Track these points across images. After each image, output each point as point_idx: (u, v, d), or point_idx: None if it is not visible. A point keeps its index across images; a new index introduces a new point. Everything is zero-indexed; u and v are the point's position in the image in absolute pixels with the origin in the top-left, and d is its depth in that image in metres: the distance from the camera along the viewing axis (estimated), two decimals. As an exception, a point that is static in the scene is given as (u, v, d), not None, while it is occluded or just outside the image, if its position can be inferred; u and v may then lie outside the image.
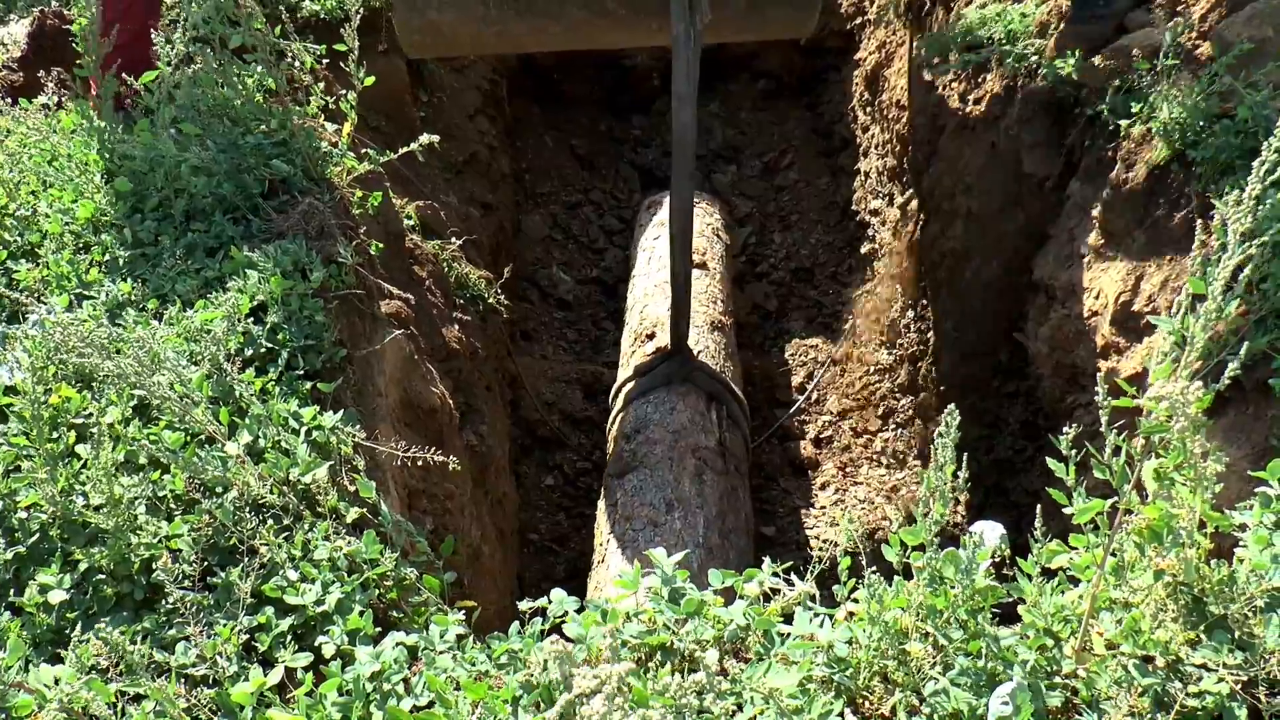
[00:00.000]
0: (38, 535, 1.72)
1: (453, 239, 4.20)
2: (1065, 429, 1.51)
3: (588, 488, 4.57)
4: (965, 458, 1.52)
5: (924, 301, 4.78)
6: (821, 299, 5.71)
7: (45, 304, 1.75)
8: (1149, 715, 1.27)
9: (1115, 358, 2.96)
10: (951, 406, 1.42)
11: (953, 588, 1.43)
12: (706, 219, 5.47)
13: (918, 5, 4.59)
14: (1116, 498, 1.40)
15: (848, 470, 4.72)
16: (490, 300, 4.24)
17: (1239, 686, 1.30)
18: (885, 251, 5.23)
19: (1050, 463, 1.45)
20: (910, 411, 4.79)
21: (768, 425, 4.89)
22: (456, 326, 3.66)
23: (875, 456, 4.76)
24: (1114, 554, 1.39)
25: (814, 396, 5.11)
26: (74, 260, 2.36)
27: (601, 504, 3.79)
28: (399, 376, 2.82)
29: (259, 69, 2.89)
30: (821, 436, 4.90)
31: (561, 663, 1.29)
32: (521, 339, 5.30)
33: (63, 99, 3.09)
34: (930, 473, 1.41)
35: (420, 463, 2.21)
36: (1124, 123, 3.13)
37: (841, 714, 1.32)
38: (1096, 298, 3.09)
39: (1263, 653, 1.34)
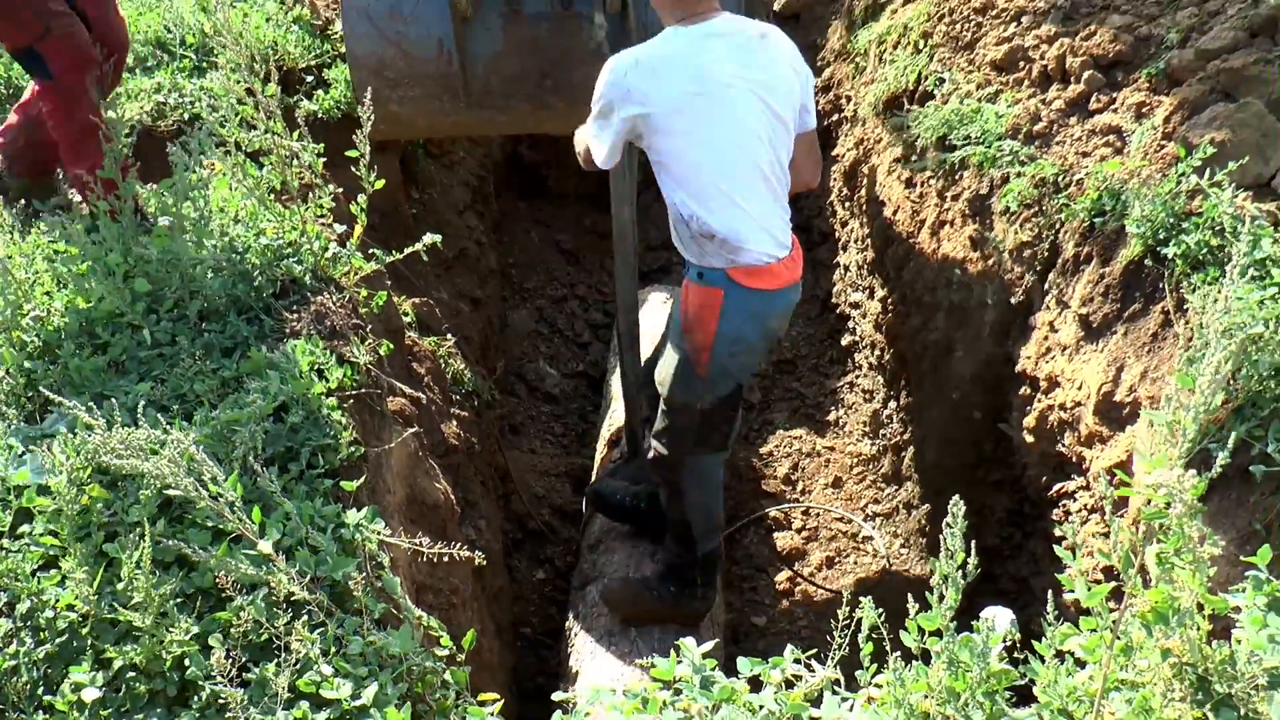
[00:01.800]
0: (67, 634, 1.75)
1: (448, 335, 4.28)
2: (1054, 516, 1.59)
3: (579, 581, 4.60)
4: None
5: (906, 393, 4.89)
6: (804, 390, 5.81)
7: (74, 405, 1.80)
8: (1165, 791, 1.33)
9: (1099, 447, 3.06)
10: (956, 498, 1.50)
11: (969, 671, 1.49)
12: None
13: (895, 103, 4.79)
14: (1120, 582, 1.48)
15: (834, 561, 4.77)
16: (485, 396, 4.31)
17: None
18: (867, 343, 5.36)
19: (1057, 550, 1.52)
20: (895, 501, 4.86)
21: (760, 520, 4.94)
22: (454, 422, 3.72)
23: (861, 545, 4.81)
24: (1120, 635, 1.46)
25: (800, 487, 5.17)
26: (93, 360, 2.42)
27: (570, 615, 3.80)
28: (405, 473, 2.87)
29: (270, 170, 2.99)
30: (807, 527, 4.95)
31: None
32: (510, 433, 5.35)
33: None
34: (942, 560, 1.48)
35: (425, 557, 2.25)
36: (1099, 220, 3.29)
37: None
38: (1079, 388, 3.20)
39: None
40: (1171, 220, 3.03)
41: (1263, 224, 2.88)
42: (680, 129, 2.83)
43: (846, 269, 5.76)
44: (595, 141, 2.98)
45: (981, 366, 3.92)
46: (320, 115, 4.49)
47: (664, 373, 3.21)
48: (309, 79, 4.71)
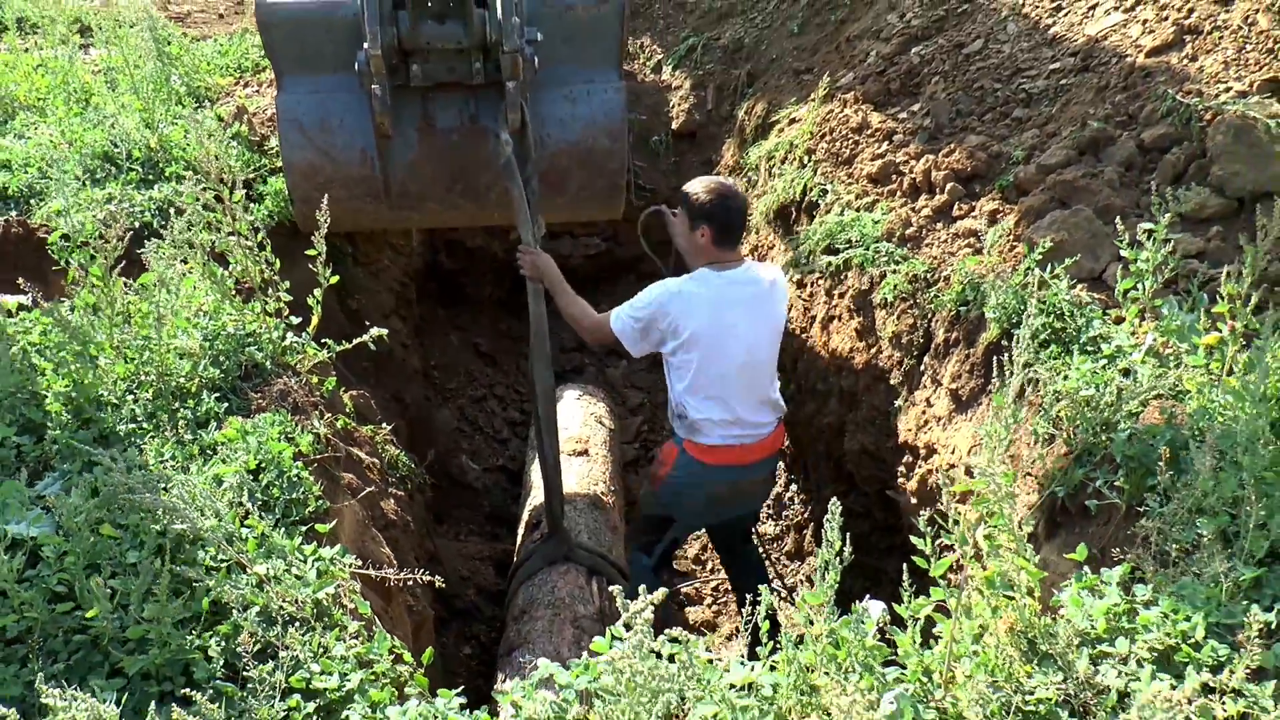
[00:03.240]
0: (82, 651, 2.02)
1: (382, 424, 4.59)
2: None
3: (504, 656, 4.85)
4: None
5: (805, 475, 5.31)
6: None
7: (100, 452, 2.09)
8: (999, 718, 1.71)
9: (971, 500, 3.50)
10: (834, 500, 1.90)
11: (848, 644, 1.87)
12: (590, 408, 5.95)
13: (784, 213, 5.32)
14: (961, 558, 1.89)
15: (740, 632, 5.10)
16: (416, 480, 4.61)
17: (1061, 698, 1.76)
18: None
19: (913, 539, 1.93)
20: (798, 576, 5.24)
21: (674, 595, 5.26)
22: (392, 500, 4.01)
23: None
24: (961, 603, 1.86)
25: (709, 566, 5.53)
26: (81, 433, 2.70)
27: (498, 679, 4.06)
28: (354, 537, 3.16)
29: (233, 266, 3.33)
30: (718, 602, 5.29)
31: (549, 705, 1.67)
32: (435, 522, 5.61)
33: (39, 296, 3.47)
34: (823, 550, 1.87)
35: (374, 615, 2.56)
36: (964, 309, 3.80)
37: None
38: (952, 452, 3.66)
39: (1077, 676, 1.81)
40: (1021, 307, 3.54)
41: (1094, 309, 3.41)
42: (695, 351, 3.71)
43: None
44: (629, 334, 3.82)
45: (869, 443, 4.37)
46: (257, 224, 4.83)
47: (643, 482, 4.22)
48: (243, 191, 5.06)
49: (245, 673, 1.91)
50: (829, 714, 1.73)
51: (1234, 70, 3.99)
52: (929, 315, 4.03)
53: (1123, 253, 3.20)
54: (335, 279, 3.29)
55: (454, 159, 4.55)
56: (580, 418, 5.66)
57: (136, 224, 4.33)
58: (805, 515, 5.31)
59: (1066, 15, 4.97)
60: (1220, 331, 2.83)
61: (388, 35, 3.98)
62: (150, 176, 4.82)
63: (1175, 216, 3.72)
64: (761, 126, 6.32)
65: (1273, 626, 1.94)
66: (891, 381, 4.20)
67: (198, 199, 3.37)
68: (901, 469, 4.02)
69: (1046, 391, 3.21)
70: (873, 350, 4.37)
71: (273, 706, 1.87)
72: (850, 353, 4.55)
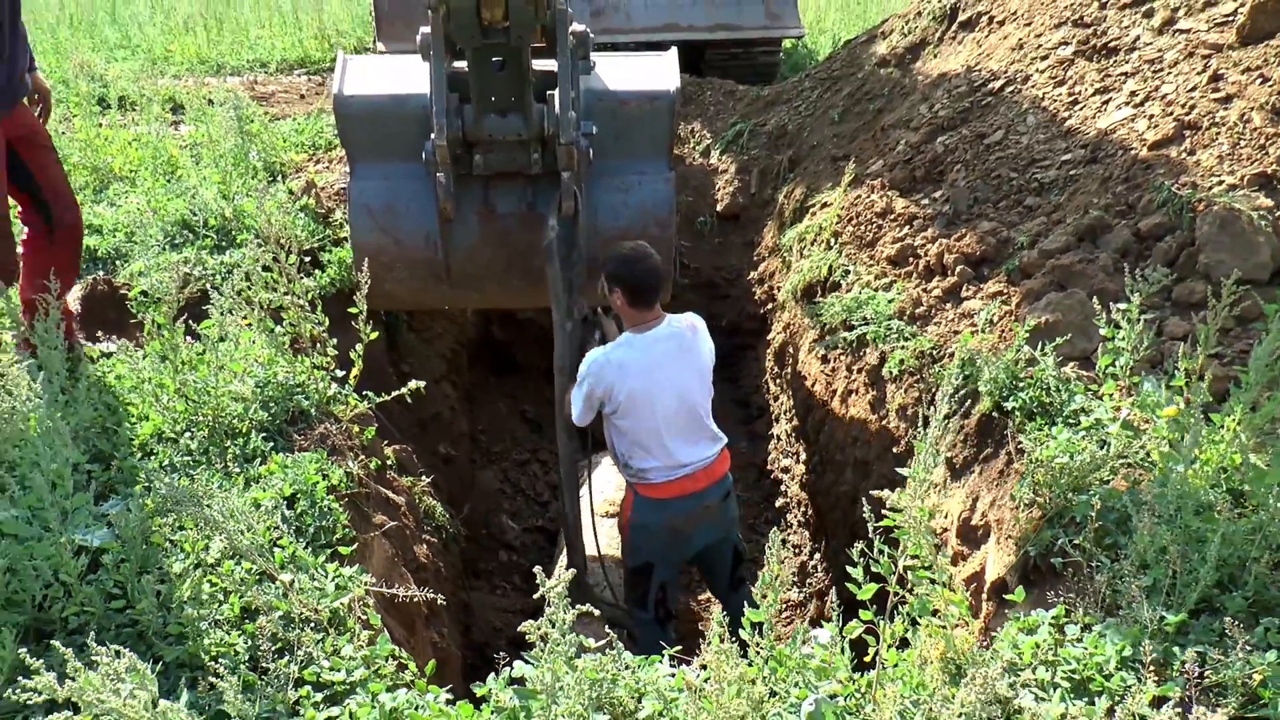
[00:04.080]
0: (129, 643, 2.32)
1: (422, 477, 4.91)
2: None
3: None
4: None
5: (825, 543, 5.51)
6: (739, 549, 6.41)
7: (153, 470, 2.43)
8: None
9: (961, 563, 3.70)
10: (775, 530, 2.15)
11: (788, 659, 2.11)
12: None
13: (810, 291, 5.61)
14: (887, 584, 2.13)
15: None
16: (451, 531, 4.91)
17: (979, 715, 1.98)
18: (795, 502, 6.01)
19: (848, 569, 2.17)
20: (818, 640, 5.41)
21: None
22: (425, 546, 4.31)
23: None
24: (894, 631, 2.09)
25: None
26: (144, 462, 3.05)
27: None
28: (382, 571, 3.46)
29: (286, 323, 3.70)
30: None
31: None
32: (473, 576, 5.90)
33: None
34: (763, 573, 2.12)
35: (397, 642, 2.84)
36: (960, 382, 4.03)
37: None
38: (945, 517, 3.86)
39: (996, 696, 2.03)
40: (1011, 382, 3.77)
41: (1078, 384, 3.64)
42: (632, 409, 4.02)
43: (778, 438, 6.47)
44: (575, 406, 4.15)
45: (881, 510, 4.57)
46: (320, 290, 5.24)
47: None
48: (306, 259, 5.50)
49: (265, 665, 2.20)
50: (761, 713, 1.97)
51: (1227, 164, 4.22)
52: (933, 389, 4.26)
53: (1103, 331, 3.43)
54: (375, 335, 3.64)
55: (512, 243, 4.87)
56: (617, 481, 5.93)
57: (208, 285, 4.75)
58: (828, 582, 5.49)
59: (1082, 109, 5.24)
60: (1178, 404, 3.04)
61: (453, 127, 4.35)
62: (223, 243, 5.27)
63: (1166, 301, 3.97)
64: (799, 210, 6.64)
65: (1185, 664, 2.15)
66: (898, 451, 4.42)
67: (258, 260, 3.76)
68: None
69: (1029, 460, 3.42)
70: (883, 421, 4.60)
71: (286, 694, 2.15)
72: (865, 424, 4.78)
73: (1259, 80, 4.49)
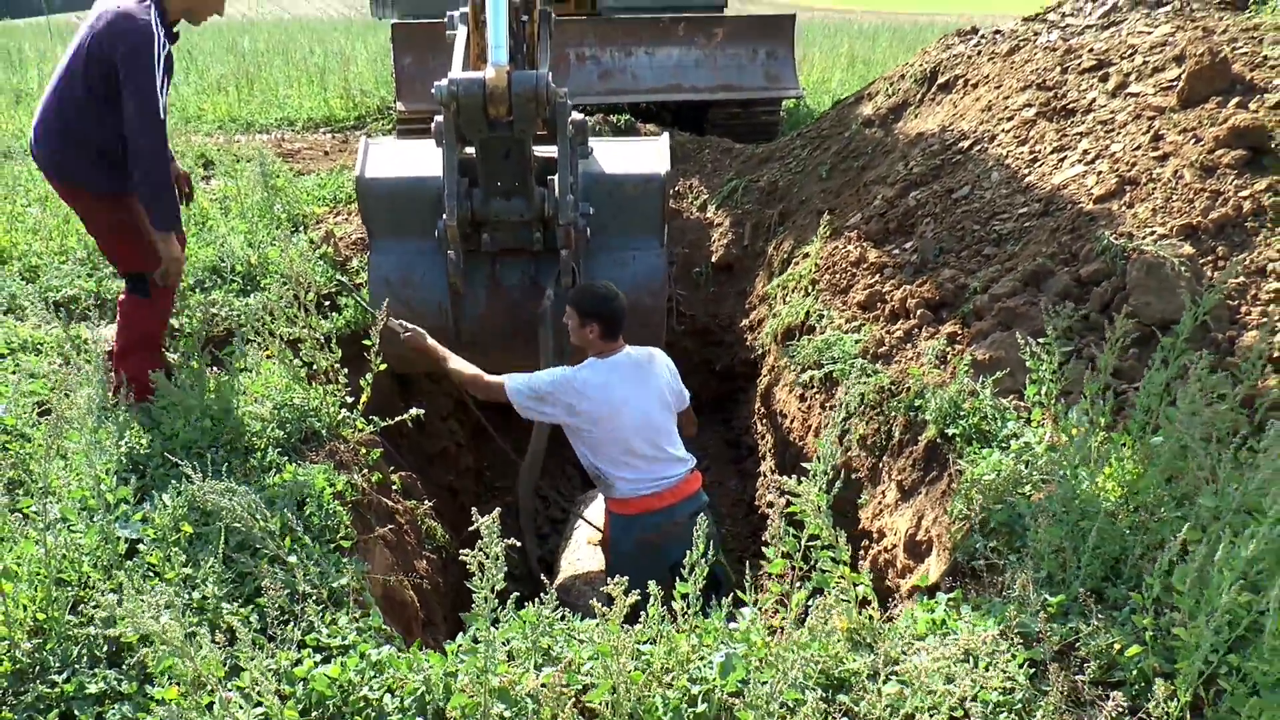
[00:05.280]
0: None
1: (425, 502, 5.32)
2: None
3: None
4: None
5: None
6: (717, 575, 6.77)
7: (182, 462, 2.86)
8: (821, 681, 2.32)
9: (908, 575, 4.07)
10: (701, 515, 2.54)
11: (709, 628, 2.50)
12: None
13: (789, 334, 6.02)
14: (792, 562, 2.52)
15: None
16: (451, 553, 5.29)
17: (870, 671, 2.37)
18: (777, 534, 6.37)
19: (765, 550, 2.56)
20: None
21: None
22: (425, 562, 4.71)
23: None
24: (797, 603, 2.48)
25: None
26: (172, 471, 3.48)
27: None
28: (382, 573, 3.86)
29: (303, 354, 4.15)
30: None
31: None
32: (469, 597, 6.26)
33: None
34: (692, 550, 2.51)
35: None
36: (912, 413, 4.42)
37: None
38: (895, 534, 4.24)
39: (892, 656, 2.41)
40: (954, 411, 4.16)
41: (1010, 412, 4.02)
42: (593, 427, 4.42)
43: (764, 474, 6.85)
44: (521, 399, 4.47)
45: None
46: (335, 330, 5.70)
47: None
48: (325, 303, 5.96)
49: (270, 631, 2.61)
50: (684, 667, 2.35)
51: (1160, 216, 4.63)
52: (890, 420, 4.65)
53: (1027, 363, 3.82)
54: (383, 366, 4.07)
55: (516, 313, 5.35)
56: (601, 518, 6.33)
57: (233, 323, 5.21)
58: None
59: (1040, 166, 5.68)
60: (1086, 425, 3.42)
61: (463, 209, 4.83)
62: (248, 287, 5.74)
63: (1100, 340, 4.36)
64: (786, 260, 7.08)
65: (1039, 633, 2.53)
66: (859, 477, 4.80)
67: (279, 298, 4.21)
68: (861, 552, 4.60)
69: (964, 479, 3.80)
70: (849, 453, 4.99)
71: (289, 652, 2.55)
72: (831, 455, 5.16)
73: (1193, 140, 4.92)
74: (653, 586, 2.57)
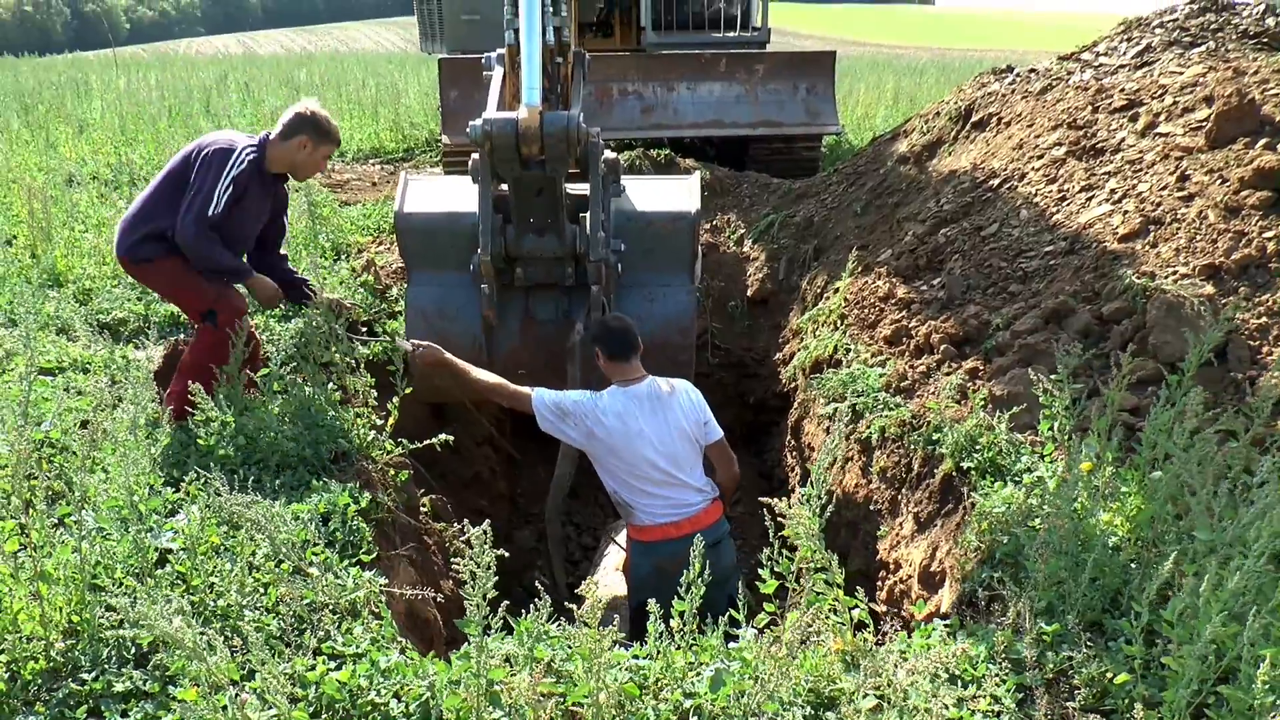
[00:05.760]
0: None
1: (453, 525, 5.44)
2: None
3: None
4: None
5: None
6: (735, 602, 6.82)
7: (214, 476, 3.02)
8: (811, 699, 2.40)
9: (922, 604, 4.12)
10: (697, 537, 2.63)
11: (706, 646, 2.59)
12: None
13: (817, 368, 6.10)
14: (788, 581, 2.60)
15: None
16: (478, 574, 5.41)
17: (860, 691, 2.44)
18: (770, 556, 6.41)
19: (762, 573, 2.64)
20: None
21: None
22: (451, 582, 4.82)
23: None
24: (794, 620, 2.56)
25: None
26: (206, 486, 3.63)
27: None
28: (406, 591, 3.98)
29: (335, 377, 4.30)
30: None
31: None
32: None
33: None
34: (689, 573, 2.60)
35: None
36: (930, 447, 4.48)
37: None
38: (910, 565, 4.29)
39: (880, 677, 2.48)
40: (970, 445, 4.21)
41: (1025, 447, 4.07)
42: (611, 453, 4.53)
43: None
44: (545, 412, 4.58)
45: (862, 564, 4.99)
46: (372, 356, 5.87)
47: None
48: (363, 329, 6.13)
49: (288, 638, 2.73)
50: (680, 681, 2.43)
51: (1183, 256, 4.67)
52: (909, 454, 4.71)
53: (1041, 399, 3.87)
54: (410, 390, 4.21)
55: (548, 346, 5.48)
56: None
57: (273, 347, 5.39)
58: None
59: (1068, 204, 5.73)
60: (1094, 460, 3.47)
61: (497, 245, 4.98)
62: (290, 313, 5.93)
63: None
64: (819, 296, 7.16)
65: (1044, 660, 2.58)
66: (879, 509, 4.86)
67: (314, 324, 4.38)
68: (879, 583, 4.64)
69: (976, 511, 3.85)
70: (870, 485, 5.05)
71: (304, 659, 2.67)
72: (856, 488, 5.22)
73: (1219, 181, 4.96)
74: (652, 604, 2.66)
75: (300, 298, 4.86)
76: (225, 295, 4.58)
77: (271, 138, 4.65)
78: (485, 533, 2.36)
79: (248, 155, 4.47)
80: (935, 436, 4.45)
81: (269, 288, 4.69)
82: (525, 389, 4.64)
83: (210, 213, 4.30)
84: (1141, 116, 5.97)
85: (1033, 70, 8.12)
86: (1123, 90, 6.45)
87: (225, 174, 4.37)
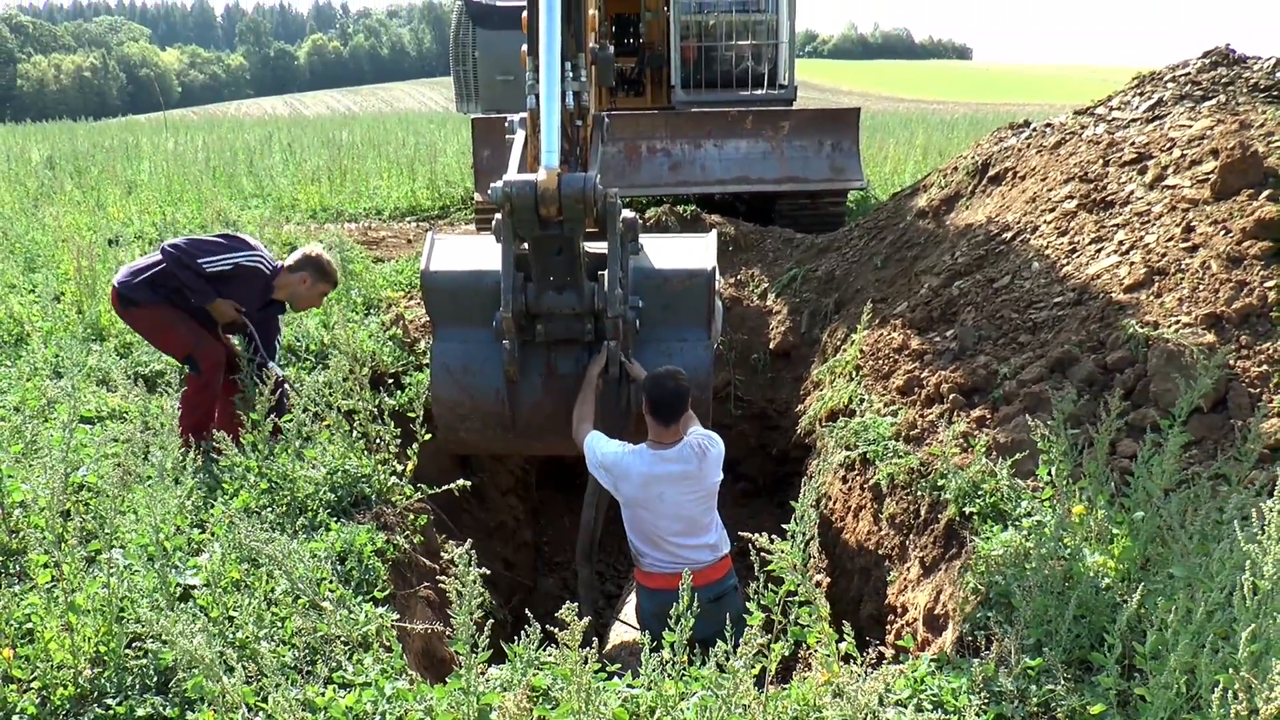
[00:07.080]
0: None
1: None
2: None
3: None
4: None
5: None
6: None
7: (236, 514, 3.18)
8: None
9: (928, 646, 4.18)
10: (686, 570, 2.75)
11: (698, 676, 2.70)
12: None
13: (832, 417, 6.20)
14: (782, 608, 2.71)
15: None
16: (498, 619, 5.53)
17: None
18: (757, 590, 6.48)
19: (750, 606, 2.76)
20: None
21: None
22: (469, 625, 4.94)
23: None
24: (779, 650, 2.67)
25: None
26: (231, 529, 3.81)
27: None
28: (423, 631, 4.11)
29: (358, 425, 4.48)
30: None
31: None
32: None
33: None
34: (679, 604, 2.72)
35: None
36: (936, 493, 4.57)
37: None
38: (916, 609, 4.36)
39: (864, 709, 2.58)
40: (973, 491, 4.30)
41: (1026, 492, 4.16)
42: (628, 507, 4.65)
43: (811, 556, 6.96)
44: (592, 456, 4.73)
45: (874, 609, 5.06)
46: (398, 408, 6.05)
47: None
48: (390, 381, 6.33)
49: (301, 667, 2.88)
50: (669, 710, 2.55)
51: (1186, 305, 4.76)
52: (918, 500, 4.80)
53: (1038, 444, 3.96)
54: (429, 436, 4.38)
55: (570, 401, 5.61)
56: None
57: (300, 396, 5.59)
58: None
59: (1078, 256, 5.84)
60: (1085, 503, 3.56)
61: (518, 302, 5.14)
62: (320, 364, 6.15)
63: (1123, 425, 4.48)
64: (839, 347, 7.28)
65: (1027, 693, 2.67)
66: (889, 554, 4.94)
67: (340, 374, 4.57)
68: (888, 626, 4.72)
69: (976, 555, 3.94)
70: (881, 532, 5.13)
71: (315, 686, 2.82)
72: (868, 535, 5.31)
73: (1222, 231, 5.06)
74: (645, 636, 2.78)
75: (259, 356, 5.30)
76: (203, 344, 5.03)
77: (281, 267, 5.28)
78: (469, 554, 2.50)
79: (259, 259, 5.11)
80: (940, 483, 4.54)
81: (230, 312, 5.11)
82: (587, 427, 4.88)
83: (203, 260, 4.87)
84: (1150, 169, 6.09)
85: (1048, 124, 8.27)
86: (1133, 144, 6.57)
87: (234, 254, 5.00)
